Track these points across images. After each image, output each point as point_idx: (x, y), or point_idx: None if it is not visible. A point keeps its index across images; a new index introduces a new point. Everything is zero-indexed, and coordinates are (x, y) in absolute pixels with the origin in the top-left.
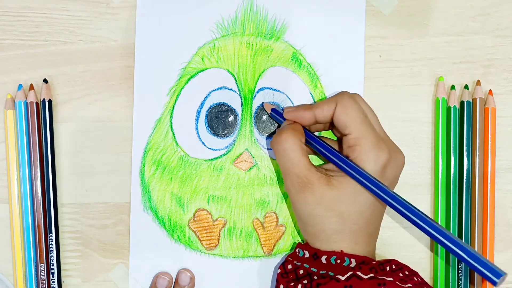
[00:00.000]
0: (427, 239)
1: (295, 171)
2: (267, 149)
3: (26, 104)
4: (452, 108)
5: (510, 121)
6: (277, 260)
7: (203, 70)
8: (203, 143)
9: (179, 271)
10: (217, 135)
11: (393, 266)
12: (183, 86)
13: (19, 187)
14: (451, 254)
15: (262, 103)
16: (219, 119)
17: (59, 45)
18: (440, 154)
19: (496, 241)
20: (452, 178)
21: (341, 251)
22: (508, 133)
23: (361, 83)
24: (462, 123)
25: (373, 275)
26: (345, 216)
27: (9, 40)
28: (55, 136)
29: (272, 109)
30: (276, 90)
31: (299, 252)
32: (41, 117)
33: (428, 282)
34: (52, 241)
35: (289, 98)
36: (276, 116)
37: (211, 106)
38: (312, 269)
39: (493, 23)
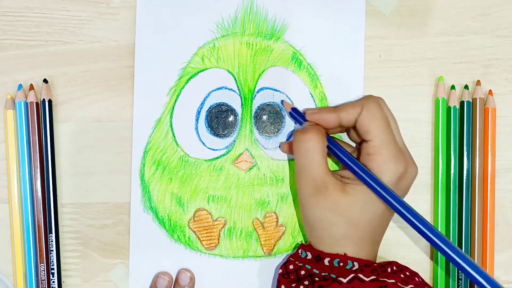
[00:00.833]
0: None
1: (313, 173)
2: (268, 149)
3: (26, 104)
4: (452, 108)
5: (510, 121)
6: (277, 260)
7: (203, 70)
8: (203, 143)
9: (179, 271)
10: (217, 135)
11: (394, 268)
12: (183, 86)
13: (19, 187)
14: None
15: (282, 101)
16: (219, 119)
17: (59, 45)
18: (440, 154)
19: (496, 241)
20: (452, 178)
21: (345, 254)
22: (508, 133)
23: (361, 83)
24: (462, 123)
25: (375, 277)
26: (355, 223)
27: (9, 40)
28: (55, 136)
29: (292, 108)
30: (276, 90)
31: (301, 253)
32: (41, 117)
33: (428, 282)
34: (52, 241)
35: (289, 98)
36: (296, 116)
37: (211, 106)
38: (314, 270)
39: (493, 23)
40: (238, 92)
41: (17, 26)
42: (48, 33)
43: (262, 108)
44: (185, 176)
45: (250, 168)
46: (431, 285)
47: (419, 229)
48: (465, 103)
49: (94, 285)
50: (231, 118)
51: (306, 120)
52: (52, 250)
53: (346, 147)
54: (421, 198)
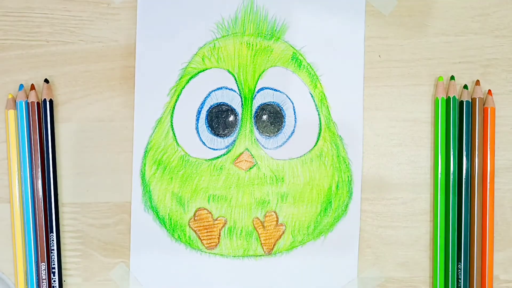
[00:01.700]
0: (427, 239)
1: None
2: (268, 148)
3: (27, 104)
4: (452, 99)
5: (509, 120)
6: (277, 259)
7: (203, 70)
8: (203, 142)
9: None
10: (217, 135)
11: None
12: (184, 86)
13: (20, 186)
14: (450, 254)
15: None
16: (219, 119)
17: (60, 45)
18: (439, 153)
19: (496, 240)
20: (451, 177)
21: None
22: (507, 132)
23: (360, 83)
24: (462, 123)
25: None
26: None
27: (10, 40)
28: (56, 135)
29: None
30: (276, 90)
31: None
32: (42, 117)
33: (428, 282)
34: (53, 240)
35: (289, 98)
36: None
37: (211, 106)
38: None
39: (492, 23)
40: (238, 92)
41: (18, 26)
42: (49, 33)
43: (262, 108)
44: (186, 176)
45: (250, 168)
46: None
47: None
48: (465, 103)
49: (95, 284)
50: (231, 118)
51: None
52: (53, 249)
53: None
54: (420, 197)
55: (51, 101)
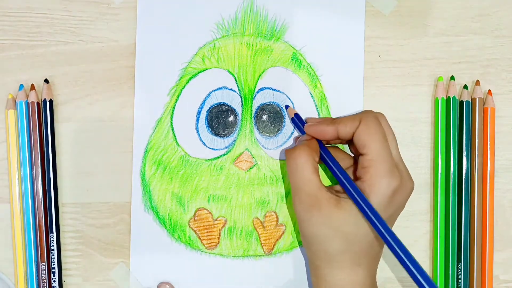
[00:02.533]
0: (427, 239)
1: (306, 189)
2: (268, 149)
3: (27, 104)
4: (452, 99)
5: (509, 121)
6: (277, 259)
7: (203, 70)
8: (203, 143)
9: (159, 284)
10: (217, 135)
11: None
12: (184, 86)
13: (20, 186)
14: (450, 254)
15: (286, 106)
16: (219, 119)
17: (60, 45)
18: (439, 154)
19: (496, 240)
20: (451, 177)
21: None
22: (507, 132)
23: (360, 83)
24: (462, 123)
25: None
26: (350, 238)
27: (10, 40)
28: (56, 136)
29: (295, 114)
30: (276, 90)
31: None
32: (42, 117)
33: None
34: (53, 240)
35: (289, 98)
36: (298, 123)
37: (211, 106)
38: None
39: (492, 23)
40: (238, 92)
41: (18, 27)
42: (49, 33)
43: (262, 108)
44: (186, 176)
45: (250, 168)
46: None
47: (399, 257)
48: (465, 103)
49: (95, 284)
50: (231, 118)
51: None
52: (53, 250)
53: (346, 158)
54: (420, 197)
55: (51, 101)
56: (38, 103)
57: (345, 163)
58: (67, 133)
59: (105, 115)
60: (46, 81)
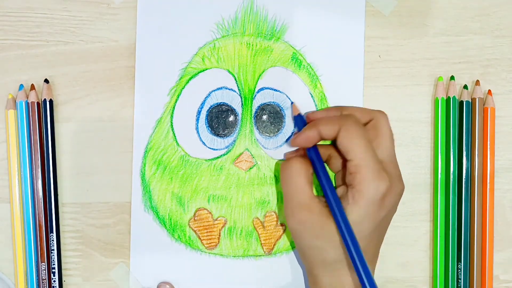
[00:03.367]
0: (427, 239)
1: (297, 199)
2: (268, 148)
3: (27, 104)
4: (451, 99)
5: (509, 120)
6: (277, 259)
7: (203, 70)
8: (203, 143)
9: (159, 284)
10: (217, 135)
11: None
12: (184, 86)
13: (20, 186)
14: (450, 255)
15: (292, 103)
16: (219, 119)
17: (60, 45)
18: (439, 154)
19: (496, 240)
20: (451, 177)
21: None
22: (507, 132)
23: (360, 83)
24: (462, 123)
25: None
26: (343, 246)
27: (10, 40)
28: (56, 136)
29: (298, 114)
30: (276, 90)
31: None
32: (42, 117)
33: (428, 282)
34: (53, 240)
35: (289, 98)
36: (299, 122)
37: (211, 106)
38: None
39: (492, 23)
40: (238, 92)
41: (18, 27)
42: (49, 33)
43: (262, 108)
44: (186, 176)
45: (250, 168)
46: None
47: (360, 276)
48: (464, 103)
49: (95, 284)
50: (231, 118)
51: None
52: (53, 250)
53: (337, 161)
54: (420, 197)
55: (51, 101)
56: (38, 103)
57: (337, 166)
58: (67, 133)
59: (105, 115)
60: (46, 81)
